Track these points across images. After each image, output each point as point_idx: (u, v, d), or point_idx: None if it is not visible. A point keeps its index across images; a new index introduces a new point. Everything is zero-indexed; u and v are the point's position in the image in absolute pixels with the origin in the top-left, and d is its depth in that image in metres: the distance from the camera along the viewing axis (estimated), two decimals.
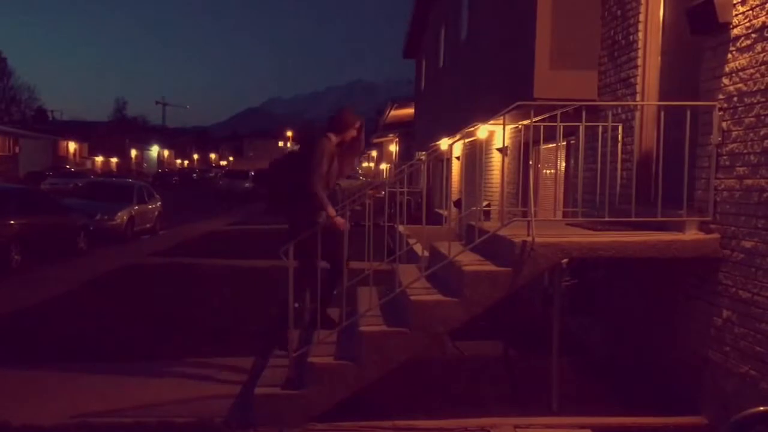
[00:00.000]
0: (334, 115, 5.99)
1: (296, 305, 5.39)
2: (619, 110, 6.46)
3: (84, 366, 6.43)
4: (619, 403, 5.36)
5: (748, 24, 4.61)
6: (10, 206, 12.26)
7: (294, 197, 5.81)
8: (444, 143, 14.65)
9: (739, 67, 4.69)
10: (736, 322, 4.65)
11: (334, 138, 5.83)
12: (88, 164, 69.71)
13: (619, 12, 6.59)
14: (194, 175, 74.19)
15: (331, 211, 5.70)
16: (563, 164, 8.10)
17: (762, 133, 4.45)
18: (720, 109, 4.87)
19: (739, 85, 4.68)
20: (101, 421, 5.02)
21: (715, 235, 4.93)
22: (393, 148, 39.08)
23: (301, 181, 5.67)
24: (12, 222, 11.92)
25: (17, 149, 54.91)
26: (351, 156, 6.09)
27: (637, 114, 6.21)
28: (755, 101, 4.52)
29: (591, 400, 5.46)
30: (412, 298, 5.10)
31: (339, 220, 5.73)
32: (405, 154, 30.61)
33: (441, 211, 16.09)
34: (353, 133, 5.92)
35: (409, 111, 25.61)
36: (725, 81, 4.83)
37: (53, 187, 32.64)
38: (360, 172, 72.14)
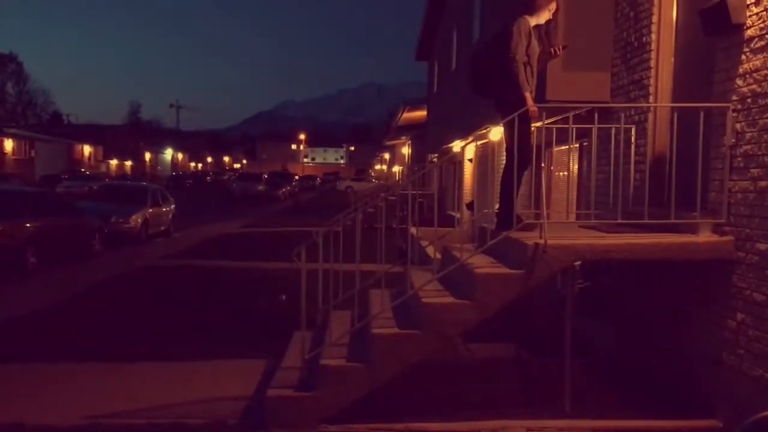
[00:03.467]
0: None
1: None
2: (632, 112, 6.44)
3: (97, 367, 6.48)
4: (633, 405, 5.33)
5: (762, 25, 4.59)
6: (26, 209, 12.37)
7: (498, 82, 5.79)
8: (456, 145, 14.64)
9: (752, 69, 4.66)
10: (750, 324, 4.62)
11: (530, 19, 5.79)
12: (103, 167, 70.23)
13: (631, 13, 6.57)
14: (208, 177, 74.54)
15: (526, 88, 5.62)
16: (576, 166, 8.08)
17: None
18: (734, 110, 4.85)
19: (753, 86, 4.65)
20: (114, 422, 5.06)
21: (729, 238, 4.90)
22: (405, 150, 39.11)
23: (502, 64, 5.66)
24: (28, 225, 12.03)
25: (33, 153, 55.44)
26: (548, 40, 6.02)
27: (650, 116, 6.19)
28: None
29: (604, 402, 5.44)
30: (424, 300, 5.10)
31: (531, 105, 5.58)
32: (417, 157, 30.61)
33: (453, 214, 16.09)
34: (548, 14, 5.88)
35: (422, 113, 25.63)
36: (739, 82, 4.81)
37: (68, 190, 32.89)
38: (372, 174, 72.14)
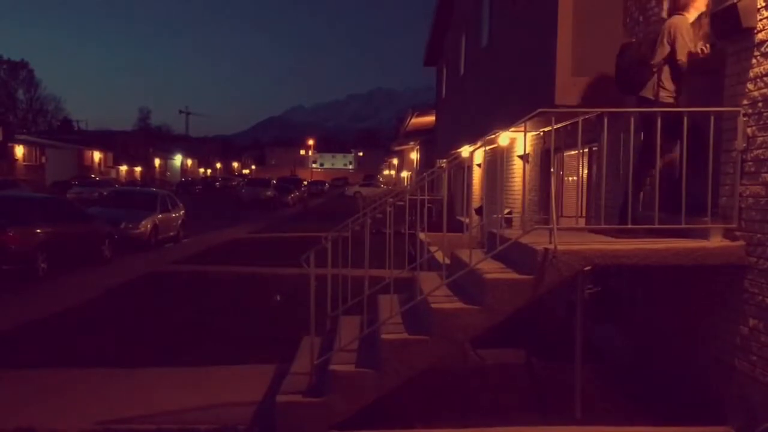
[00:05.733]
0: None
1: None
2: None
3: (107, 372, 6.50)
4: (644, 411, 5.30)
5: None
6: (36, 215, 12.46)
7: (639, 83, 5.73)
8: (465, 150, 14.61)
9: (763, 72, 4.63)
10: (762, 330, 4.58)
11: (688, 16, 5.62)
12: (113, 173, 70.59)
13: (640, 17, 6.55)
14: (217, 183, 74.84)
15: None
16: (585, 171, 8.05)
17: None
18: (744, 114, 4.81)
19: (764, 90, 4.62)
20: (124, 427, 5.08)
21: (741, 243, 4.86)
22: (414, 155, 39.15)
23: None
24: (38, 231, 12.10)
25: (44, 159, 55.82)
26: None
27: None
28: None
29: (615, 409, 5.41)
30: (433, 305, 5.09)
31: None
32: (426, 162, 30.61)
33: (462, 219, 16.06)
34: (695, 14, 5.69)
35: (430, 118, 25.63)
36: (750, 86, 4.78)
37: (78, 196, 33.12)
38: (381, 179, 72.13)
